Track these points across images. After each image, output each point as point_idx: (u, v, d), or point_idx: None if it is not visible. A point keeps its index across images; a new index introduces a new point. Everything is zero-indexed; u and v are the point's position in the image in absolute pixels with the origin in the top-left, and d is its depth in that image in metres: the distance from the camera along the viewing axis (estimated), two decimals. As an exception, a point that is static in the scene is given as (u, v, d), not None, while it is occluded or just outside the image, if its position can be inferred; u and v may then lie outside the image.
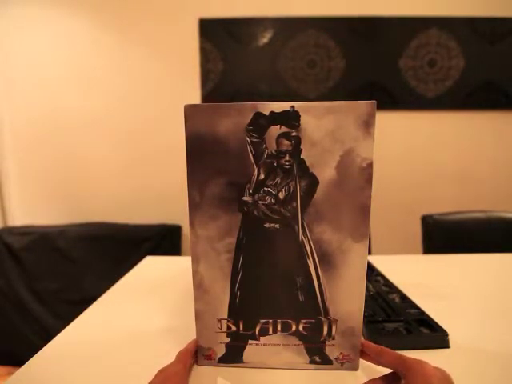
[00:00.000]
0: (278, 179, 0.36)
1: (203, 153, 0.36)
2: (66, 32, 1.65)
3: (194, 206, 0.37)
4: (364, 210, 0.36)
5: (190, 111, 0.35)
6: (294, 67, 1.64)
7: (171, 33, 1.65)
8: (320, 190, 0.36)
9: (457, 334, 0.46)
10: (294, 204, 0.36)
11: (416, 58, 1.62)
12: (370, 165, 0.35)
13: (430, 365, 0.31)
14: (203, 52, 1.64)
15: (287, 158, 0.36)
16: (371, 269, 0.70)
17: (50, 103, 1.71)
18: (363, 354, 0.39)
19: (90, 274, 1.61)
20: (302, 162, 0.35)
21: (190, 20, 1.63)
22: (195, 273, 0.39)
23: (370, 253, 1.10)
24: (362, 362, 0.40)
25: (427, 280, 0.70)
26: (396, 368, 0.33)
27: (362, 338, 0.40)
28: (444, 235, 1.14)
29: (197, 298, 0.39)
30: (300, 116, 0.34)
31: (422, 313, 0.51)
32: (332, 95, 1.64)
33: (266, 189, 0.36)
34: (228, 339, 0.40)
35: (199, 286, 0.39)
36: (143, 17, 1.64)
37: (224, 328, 0.40)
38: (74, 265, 1.62)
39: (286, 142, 0.35)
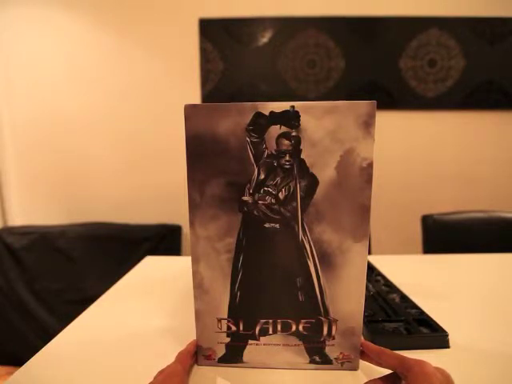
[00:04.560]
0: (278, 179, 0.36)
1: (203, 153, 0.36)
2: (65, 32, 1.65)
3: (194, 206, 0.37)
4: (364, 210, 0.36)
5: (190, 111, 0.35)
6: (294, 67, 1.63)
7: (171, 33, 1.64)
8: (320, 190, 0.36)
9: (457, 334, 0.46)
10: (294, 204, 0.36)
11: (416, 58, 1.62)
12: (370, 165, 0.35)
13: (430, 365, 0.31)
14: (203, 52, 1.64)
15: (287, 157, 0.36)
16: (371, 269, 0.70)
17: (50, 103, 1.71)
18: (363, 354, 0.39)
19: (90, 274, 1.61)
20: (302, 162, 0.35)
21: (190, 20, 1.63)
22: (195, 273, 0.39)
23: (370, 253, 1.10)
24: (362, 362, 0.40)
25: (427, 280, 0.70)
26: (396, 368, 0.33)
27: (362, 338, 0.40)
28: (444, 235, 1.14)
29: (197, 298, 0.39)
30: (300, 116, 0.34)
31: (422, 313, 0.51)
32: (332, 95, 1.64)
33: (266, 189, 0.36)
34: (228, 339, 0.40)
35: (199, 286, 0.39)
36: (143, 17, 1.64)
37: (224, 328, 0.40)
38: (74, 265, 1.62)
39: (286, 142, 0.35)
